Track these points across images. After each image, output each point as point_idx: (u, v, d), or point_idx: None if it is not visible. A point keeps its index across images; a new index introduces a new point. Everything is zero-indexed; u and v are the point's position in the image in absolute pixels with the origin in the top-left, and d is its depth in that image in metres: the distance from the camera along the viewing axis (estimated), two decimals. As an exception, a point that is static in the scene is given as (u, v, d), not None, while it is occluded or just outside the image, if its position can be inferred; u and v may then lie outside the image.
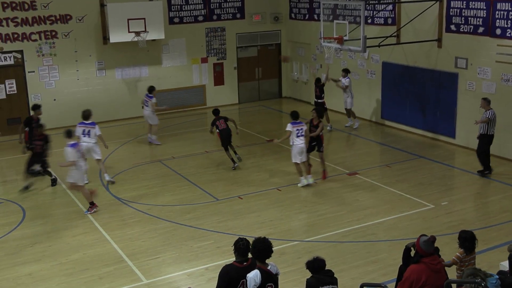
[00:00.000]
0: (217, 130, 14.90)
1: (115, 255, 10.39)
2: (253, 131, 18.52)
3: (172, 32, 20.78)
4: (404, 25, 16.89)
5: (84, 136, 13.76)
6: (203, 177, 14.38)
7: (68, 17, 19.39)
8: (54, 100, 19.40)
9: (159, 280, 9.55)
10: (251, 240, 6.69)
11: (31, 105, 19.19)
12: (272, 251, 6.59)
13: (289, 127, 13.16)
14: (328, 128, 18.01)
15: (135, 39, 19.42)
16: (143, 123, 18.43)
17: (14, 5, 18.58)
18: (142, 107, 17.45)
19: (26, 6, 18.77)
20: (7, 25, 18.58)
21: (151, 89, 17.27)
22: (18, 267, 10.01)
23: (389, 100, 18.38)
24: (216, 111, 15.32)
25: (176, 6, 20.98)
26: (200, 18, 21.47)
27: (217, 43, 21.91)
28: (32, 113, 15.21)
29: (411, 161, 15.20)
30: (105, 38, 19.72)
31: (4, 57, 18.70)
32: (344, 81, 17.96)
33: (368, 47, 15.34)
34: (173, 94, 21.40)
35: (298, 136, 13.11)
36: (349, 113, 18.43)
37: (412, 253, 7.30)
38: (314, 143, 13.83)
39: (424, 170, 14.44)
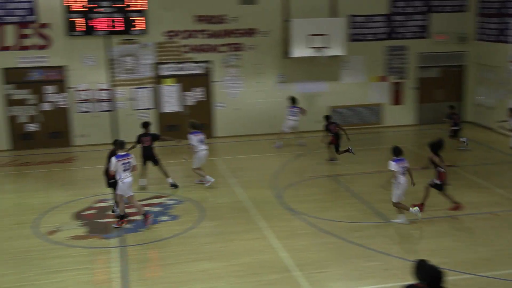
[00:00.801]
0: (330, 135, 16.81)
1: (283, 263, 10.59)
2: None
3: (352, 49, 20.84)
4: None
5: (202, 144, 14.86)
6: (375, 196, 14.16)
7: (254, 31, 20.32)
8: (237, 109, 20.48)
9: (325, 294, 9.57)
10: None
11: (215, 113, 20.48)
12: (443, 281, 6.32)
13: (393, 166, 12.01)
14: None
15: (316, 54, 19.79)
16: (318, 138, 18.64)
17: (206, 18, 19.93)
18: (289, 118, 18.83)
19: (217, 20, 20.03)
20: (199, 36, 19.98)
21: (294, 100, 18.88)
22: (195, 263, 10.60)
23: None
24: (328, 117, 17.23)
25: (358, 24, 21.03)
26: (382, 36, 21.29)
27: (397, 62, 21.57)
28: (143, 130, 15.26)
29: None
30: (287, 52, 20.32)
31: (195, 66, 20.14)
32: None
33: None
34: (349, 111, 21.41)
35: (402, 174, 12.11)
36: None
37: None
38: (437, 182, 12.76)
39: None
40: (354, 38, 21.02)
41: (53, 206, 13.69)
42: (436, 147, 12.71)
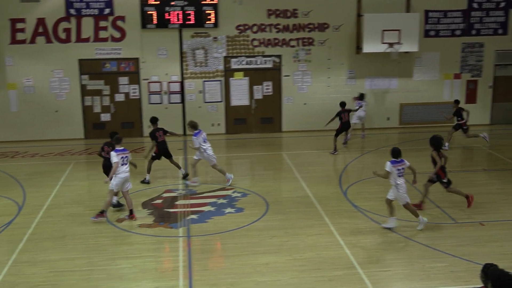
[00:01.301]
0: (340, 122, 17.47)
1: (346, 260, 10.50)
2: (504, 155, 17.28)
3: (426, 45, 20.38)
4: None
5: (206, 142, 14.52)
6: (442, 197, 13.81)
7: (326, 25, 20.17)
8: (305, 104, 20.44)
9: (388, 293, 9.43)
10: None
11: (282, 107, 20.48)
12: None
13: (388, 166, 11.63)
14: None
15: (388, 50, 19.46)
16: (386, 135, 18.40)
17: (278, 12, 19.94)
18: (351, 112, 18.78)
19: (289, 14, 20.00)
20: (270, 30, 20.02)
21: (362, 96, 19.17)
22: (258, 256, 10.67)
23: None
24: (343, 104, 17.74)
25: (434, 19, 20.50)
26: (458, 32, 20.68)
27: (473, 59, 20.91)
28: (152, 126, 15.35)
29: None
30: (358, 48, 20.07)
31: (264, 60, 20.20)
32: None
33: None
34: (420, 109, 20.96)
35: (399, 176, 11.68)
36: None
37: None
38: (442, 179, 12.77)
39: None
40: (428, 34, 20.52)
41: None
42: (438, 144, 12.61)
